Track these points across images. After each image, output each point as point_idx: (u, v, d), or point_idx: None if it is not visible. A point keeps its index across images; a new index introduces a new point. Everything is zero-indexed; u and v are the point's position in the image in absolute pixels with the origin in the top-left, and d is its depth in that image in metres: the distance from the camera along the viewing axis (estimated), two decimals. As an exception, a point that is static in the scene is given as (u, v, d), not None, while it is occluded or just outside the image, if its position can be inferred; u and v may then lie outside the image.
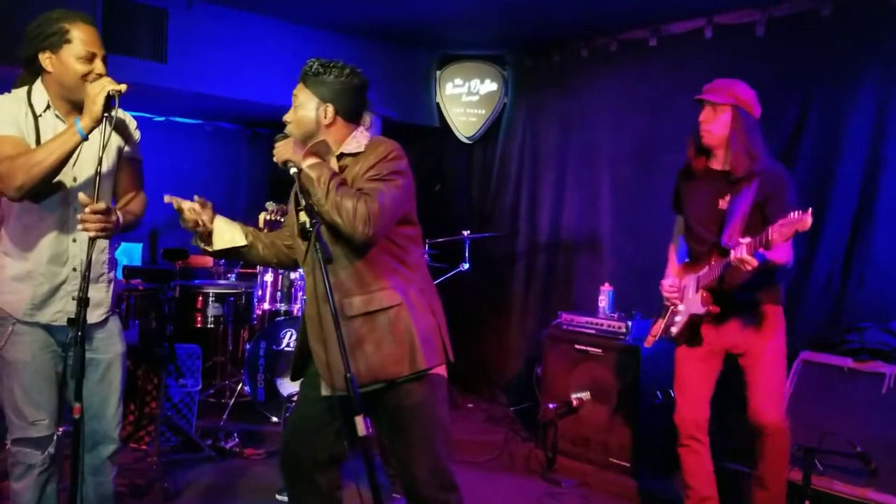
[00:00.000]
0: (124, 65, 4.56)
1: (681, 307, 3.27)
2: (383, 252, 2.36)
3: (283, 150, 2.37)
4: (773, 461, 3.17)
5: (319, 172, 2.25)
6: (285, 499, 3.67)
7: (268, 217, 4.12)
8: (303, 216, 2.20)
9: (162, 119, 6.25)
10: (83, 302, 2.16)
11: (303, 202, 2.23)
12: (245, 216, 7.05)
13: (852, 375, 3.75)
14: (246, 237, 2.52)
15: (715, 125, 3.12)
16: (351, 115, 2.41)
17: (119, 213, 2.40)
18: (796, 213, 2.68)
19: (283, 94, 5.58)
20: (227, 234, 2.48)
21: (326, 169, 2.27)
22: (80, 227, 2.27)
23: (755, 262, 2.83)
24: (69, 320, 2.35)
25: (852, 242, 4.12)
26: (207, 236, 2.45)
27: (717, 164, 3.20)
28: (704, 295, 3.14)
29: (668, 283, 3.34)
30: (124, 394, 2.69)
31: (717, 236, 3.11)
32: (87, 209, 2.24)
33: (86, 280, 2.18)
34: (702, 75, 4.50)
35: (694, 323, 3.23)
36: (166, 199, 2.38)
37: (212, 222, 2.44)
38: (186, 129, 6.50)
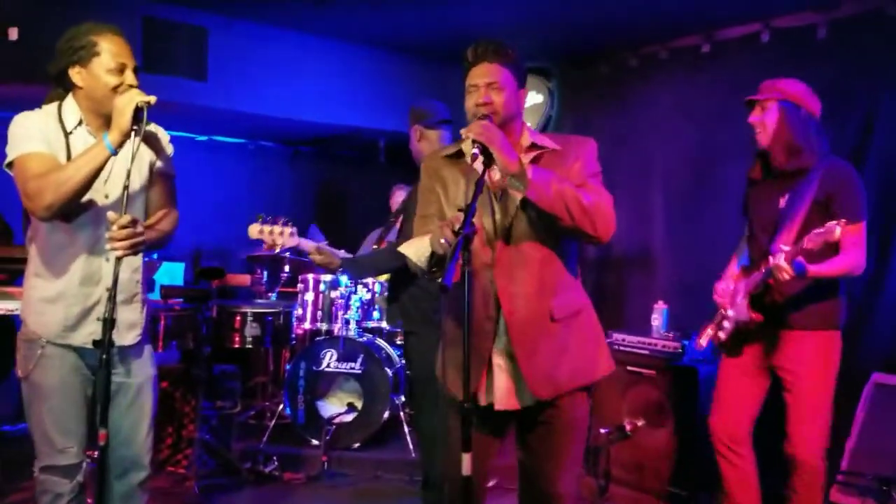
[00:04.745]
0: (165, 84, 4.57)
1: (730, 312, 3.13)
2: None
3: (488, 133, 2.04)
4: (806, 497, 2.97)
5: (550, 175, 2.04)
6: None
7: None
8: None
9: (204, 139, 6.26)
10: (109, 323, 2.06)
11: (499, 204, 2.12)
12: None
13: (930, 399, 3.51)
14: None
15: (763, 123, 3.04)
16: None
17: (141, 228, 2.26)
18: (834, 223, 2.57)
19: (324, 112, 5.57)
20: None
21: (549, 168, 2.10)
22: (108, 245, 2.15)
23: (791, 272, 2.71)
24: (95, 342, 2.24)
25: (927, 255, 3.86)
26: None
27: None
28: (748, 302, 3.01)
29: (721, 287, 3.22)
30: (161, 417, 2.60)
31: (771, 240, 2.97)
32: (113, 225, 2.13)
33: (112, 301, 2.07)
34: (759, 81, 4.31)
35: (740, 331, 3.08)
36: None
37: None
38: (228, 148, 6.53)
